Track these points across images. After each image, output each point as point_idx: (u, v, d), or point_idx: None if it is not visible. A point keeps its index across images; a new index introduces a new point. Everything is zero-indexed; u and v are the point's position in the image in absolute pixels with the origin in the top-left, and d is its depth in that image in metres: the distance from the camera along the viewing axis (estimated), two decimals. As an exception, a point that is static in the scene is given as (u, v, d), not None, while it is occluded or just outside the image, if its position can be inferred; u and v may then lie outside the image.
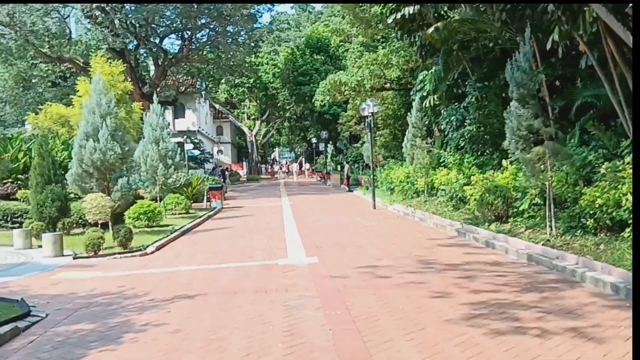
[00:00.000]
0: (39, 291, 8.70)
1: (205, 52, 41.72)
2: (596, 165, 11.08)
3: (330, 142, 47.14)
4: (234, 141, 71.97)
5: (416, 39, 20.38)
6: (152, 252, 12.62)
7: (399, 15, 18.20)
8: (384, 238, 13.30)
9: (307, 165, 66.88)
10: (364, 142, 38.27)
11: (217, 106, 64.59)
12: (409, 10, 17.77)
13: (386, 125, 32.36)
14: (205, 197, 25.88)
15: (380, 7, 21.72)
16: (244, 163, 69.89)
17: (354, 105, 32.77)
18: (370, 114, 21.82)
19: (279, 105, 60.41)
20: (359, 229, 15.32)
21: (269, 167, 79.82)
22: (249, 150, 67.03)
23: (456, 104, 19.60)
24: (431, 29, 17.75)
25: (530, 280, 8.05)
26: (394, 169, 26.94)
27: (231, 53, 42.26)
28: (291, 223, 17.31)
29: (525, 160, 10.50)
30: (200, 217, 20.69)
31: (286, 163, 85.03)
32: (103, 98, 15.55)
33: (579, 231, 10.25)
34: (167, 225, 17.59)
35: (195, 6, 36.55)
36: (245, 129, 65.18)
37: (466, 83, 19.93)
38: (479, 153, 18.95)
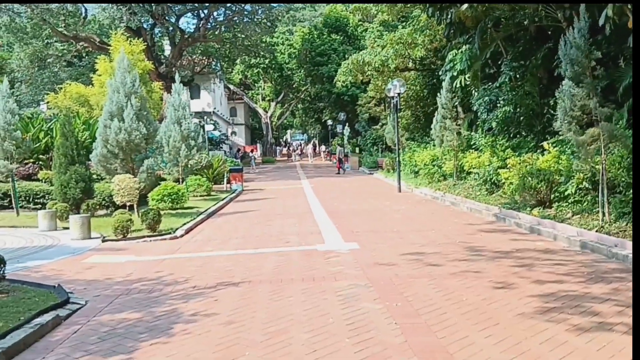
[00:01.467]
0: (74, 276, 8.35)
1: (221, 32, 41.10)
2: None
3: (347, 124, 46.53)
4: (247, 123, 71.45)
5: (446, 17, 19.72)
6: (182, 236, 12.26)
7: (431, -10, 17.53)
8: (420, 223, 12.83)
9: (323, 147, 66.21)
10: (383, 124, 37.74)
11: (231, 87, 63.99)
12: (441, -15, 17.10)
13: (408, 107, 31.70)
14: (225, 179, 25.50)
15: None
16: (258, 145, 69.45)
17: (376, 86, 32.10)
18: (396, 95, 21.21)
19: (294, 86, 59.71)
20: (391, 213, 14.86)
21: (284, 148, 79.18)
22: (264, 132, 66.48)
23: (489, 84, 18.95)
24: (465, 6, 17.08)
25: (592, 270, 7.56)
26: (417, 151, 26.39)
27: (248, 32, 41.63)
28: (318, 207, 16.88)
29: (578, 142, 9.94)
30: (222, 199, 20.33)
31: (299, 145, 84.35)
32: (127, 76, 15.14)
33: (630, 217, 9.74)
34: (191, 208, 17.23)
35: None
36: (260, 111, 64.58)
37: (499, 63, 19.26)
38: (511, 135, 18.36)
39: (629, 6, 10.22)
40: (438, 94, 19.44)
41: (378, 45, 30.55)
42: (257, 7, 40.38)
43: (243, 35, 42.53)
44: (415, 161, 24.49)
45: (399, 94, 21.16)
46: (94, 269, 8.88)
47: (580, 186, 11.62)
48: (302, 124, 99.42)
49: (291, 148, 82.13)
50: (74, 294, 7.11)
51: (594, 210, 10.94)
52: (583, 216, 10.88)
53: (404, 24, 35.41)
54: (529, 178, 12.65)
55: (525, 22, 18.06)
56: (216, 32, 41.17)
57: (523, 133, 17.09)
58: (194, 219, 14.63)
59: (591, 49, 9.91)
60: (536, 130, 17.09)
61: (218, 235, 12.27)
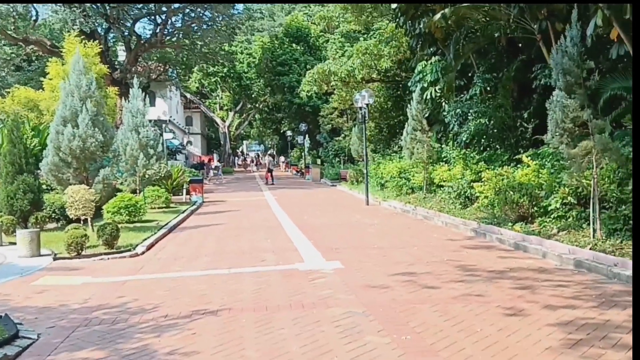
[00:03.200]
0: (23, 302, 7.28)
1: (179, 38, 39.87)
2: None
3: (308, 135, 45.88)
4: (203, 132, 69.87)
5: (417, 27, 19.37)
6: (143, 253, 11.23)
7: (403, 0, 17.14)
8: (400, 238, 12.19)
9: (282, 158, 65.41)
10: (346, 136, 37.26)
11: (188, 95, 62.46)
12: (414, -6, 16.72)
13: (372, 119, 31.27)
14: (185, 190, 24.36)
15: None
16: (215, 155, 68.01)
17: (340, 96, 31.57)
18: (364, 105, 20.65)
19: (253, 96, 58.76)
20: (365, 227, 14.19)
21: (241, 159, 77.91)
22: (221, 142, 65.11)
23: (461, 95, 18.62)
24: (438, 16, 16.69)
25: (599, 293, 7.03)
26: (382, 163, 25.95)
27: (207, 39, 40.59)
28: (287, 220, 16.06)
29: (570, 155, 9.50)
30: (183, 212, 19.25)
31: (256, 156, 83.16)
32: (83, 79, 14.03)
33: (624, 234, 9.37)
34: (150, 221, 16.13)
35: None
36: (218, 120, 63.24)
37: (470, 75, 19.00)
38: (481, 148, 18.04)
39: (627, 15, 9.90)
40: (408, 106, 18.96)
41: (343, 56, 30.14)
42: (217, 14, 39.38)
43: (202, 43, 41.45)
44: (382, 173, 24.01)
45: (367, 104, 20.60)
46: (46, 293, 7.81)
47: (564, 201, 11.22)
48: (260, 135, 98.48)
49: (248, 159, 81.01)
50: (24, 325, 6.09)
51: (581, 227, 10.54)
52: (570, 232, 10.45)
53: (365, 35, 35.21)
54: (511, 192, 12.21)
55: (497, 35, 17.85)
56: (174, 39, 39.95)
57: (497, 146, 16.75)
58: (155, 233, 13.58)
59: (584, 59, 9.52)
60: (509, 143, 16.81)
61: (184, 252, 11.29)
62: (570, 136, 9.54)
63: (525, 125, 16.16)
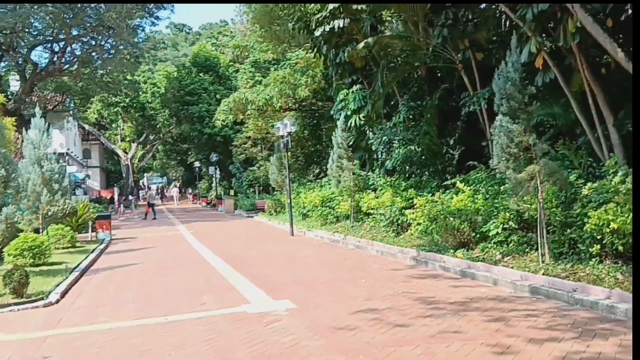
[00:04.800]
0: None
1: (79, 67, 37.63)
2: (577, 186, 10.36)
3: (218, 165, 44.66)
4: (102, 165, 66.22)
5: (338, 56, 19.27)
6: (58, 301, 9.82)
7: (327, 28, 17.00)
8: (342, 270, 11.61)
9: (190, 190, 63.41)
10: (260, 166, 36.53)
11: (86, 127, 59.05)
12: (339, 23, 16.64)
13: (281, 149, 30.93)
14: (90, 228, 22.45)
15: (299, 22, 20.31)
16: (115, 189, 64.59)
17: (256, 125, 30.89)
18: (287, 134, 20.12)
19: (157, 126, 56.69)
20: (300, 260, 13.51)
21: (145, 192, 74.43)
22: (123, 175, 61.94)
23: (385, 123, 18.60)
24: (361, 44, 16.74)
25: (570, 322, 6.80)
26: (303, 192, 25.51)
27: (109, 68, 38.70)
28: (212, 256, 15.03)
29: (517, 180, 9.42)
30: (92, 251, 17.57)
31: (157, 188, 79.94)
32: (-21, 106, 12.39)
33: (570, 258, 9.38)
34: (57, 263, 14.43)
35: (71, 14, 32.80)
36: (120, 152, 60.21)
37: (392, 103, 19.09)
38: (407, 175, 18.04)
39: (560, 42, 10.11)
40: (333, 133, 18.63)
41: (254, 85, 29.65)
42: (119, 42, 37.60)
43: (103, 71, 39.47)
44: (303, 203, 23.49)
45: (289, 132, 20.08)
46: (-54, 360, 6.44)
47: (504, 226, 11.18)
48: (163, 167, 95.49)
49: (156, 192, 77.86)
50: None
51: (524, 251, 10.50)
52: (515, 258, 10.36)
53: (275, 66, 35.04)
54: (451, 218, 12.06)
55: (416, 64, 18.10)
56: (73, 67, 37.70)
57: (426, 172, 16.75)
58: (67, 277, 12.08)
59: (525, 85, 9.56)
60: (435, 169, 16.89)
61: (105, 298, 10.02)
62: (516, 161, 9.50)
63: (451, 151, 16.30)
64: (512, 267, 9.72)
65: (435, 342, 6.07)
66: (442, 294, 8.76)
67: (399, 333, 6.49)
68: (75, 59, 37.49)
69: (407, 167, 17.37)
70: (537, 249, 10.34)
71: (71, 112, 48.24)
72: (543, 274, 8.93)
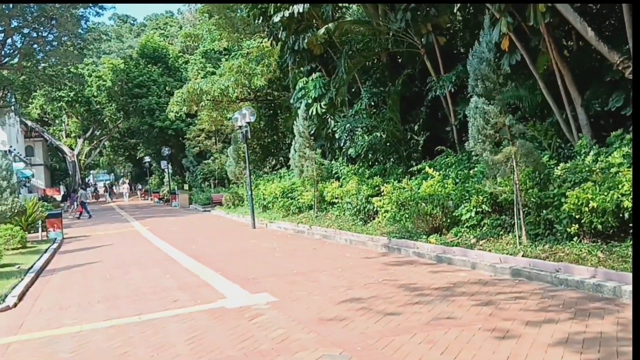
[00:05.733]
0: None
1: (19, 60, 35.81)
2: (549, 167, 10.37)
3: (170, 159, 43.45)
4: (47, 163, 63.54)
5: (296, 43, 18.85)
6: (16, 305, 9.12)
7: (286, 14, 16.55)
8: (315, 261, 11.29)
9: (140, 186, 61.70)
10: (215, 159, 35.75)
11: (29, 123, 56.43)
12: (298, 8, 16.22)
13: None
14: (41, 227, 21.35)
15: (254, 9, 19.73)
16: (61, 187, 62.16)
17: (210, 117, 30.08)
18: (245, 124, 19.59)
19: (104, 121, 54.76)
20: (269, 252, 13.11)
21: (94, 189, 72.06)
22: (70, 172, 59.61)
23: (349, 110, 18.33)
24: (322, 30, 16.38)
25: (560, 302, 6.73)
26: (261, 183, 25.08)
27: (52, 60, 37.01)
28: (175, 251, 14.44)
29: (493, 162, 9.31)
30: (45, 251, 16.63)
31: (109, 185, 77.47)
32: None
33: (547, 239, 9.36)
34: (9, 265, 13.56)
35: (10, 5, 31.08)
36: (66, 149, 57.84)
37: (353, 90, 18.83)
38: (369, 163, 17.86)
39: (530, 22, 10.04)
40: (294, 122, 18.25)
41: (210, 75, 28.86)
42: (62, 33, 35.95)
43: (46, 64, 37.71)
44: (263, 194, 23.05)
45: (248, 123, 19.55)
46: None
47: (477, 209, 11.11)
48: (110, 163, 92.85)
49: (100, 189, 75.57)
50: None
51: (498, 234, 10.45)
52: (490, 241, 10.31)
53: (226, 56, 34.29)
54: (423, 204, 11.91)
55: (377, 50, 17.89)
56: (14, 61, 35.84)
57: (391, 159, 16.58)
58: (22, 279, 11.30)
59: (499, 64, 9.45)
60: (399, 156, 16.75)
61: (68, 299, 9.36)
62: (492, 143, 9.38)
63: (416, 137, 16.19)
64: (489, 250, 9.64)
65: (431, 329, 5.84)
66: (424, 280, 8.58)
67: (391, 322, 6.23)
68: (16, 52, 35.64)
69: (371, 155, 17.15)
70: (510, 232, 10.34)
71: (12, 107, 45.93)
72: (522, 256, 8.87)
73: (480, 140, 9.38)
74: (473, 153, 9.76)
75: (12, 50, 35.11)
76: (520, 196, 9.51)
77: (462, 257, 9.87)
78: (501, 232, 10.50)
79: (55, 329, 7.19)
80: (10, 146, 45.67)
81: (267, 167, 32.16)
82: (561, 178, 9.81)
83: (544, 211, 9.52)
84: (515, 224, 9.61)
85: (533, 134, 11.51)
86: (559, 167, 10.10)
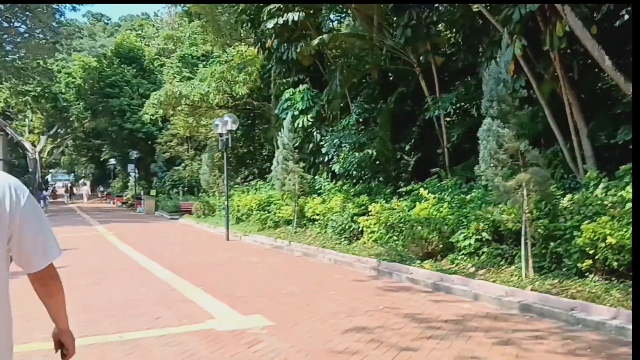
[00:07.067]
0: None
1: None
2: (555, 197, 9.96)
3: (137, 163, 42.07)
4: (6, 158, 60.95)
5: (288, 53, 18.28)
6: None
7: (280, 21, 15.98)
8: (304, 281, 10.58)
9: (102, 188, 59.83)
10: (186, 165, 34.71)
11: (-10, 117, 54.12)
12: (293, 17, 15.68)
13: (219, 149, 29.40)
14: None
15: (242, 15, 19.10)
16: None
17: (186, 123, 29.11)
18: (226, 132, 18.80)
19: (70, 119, 52.91)
20: (250, 267, 12.35)
21: (51, 190, 69.50)
22: (30, 170, 57.28)
23: (337, 125, 17.77)
24: (316, 41, 15.86)
25: (585, 345, 6.20)
26: (235, 194, 24.25)
27: (23, 52, 35.58)
28: (146, 260, 13.54)
29: (505, 189, 8.84)
30: (2, 252, 15.45)
31: (69, 186, 74.92)
32: None
33: (553, 273, 8.90)
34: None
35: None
36: (28, 145, 55.57)
37: (342, 105, 18.30)
38: (354, 181, 17.31)
39: (546, 47, 9.67)
40: (279, 134, 17.58)
41: (186, 80, 27.99)
42: (36, 26, 34.58)
43: (15, 56, 36.24)
44: (237, 205, 22.22)
45: (229, 130, 18.77)
46: None
47: (477, 237, 10.62)
48: (71, 163, 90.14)
49: (59, 189, 73.13)
50: None
51: (498, 264, 9.97)
52: (490, 271, 9.81)
53: (204, 62, 33.49)
54: (419, 227, 11.37)
55: (367, 67, 17.47)
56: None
57: (380, 178, 16.04)
58: (-22, 283, 10.24)
59: (516, 87, 9.04)
60: (387, 175, 16.24)
61: (34, 309, 8.16)
62: (504, 168, 8.92)
63: (406, 158, 15.71)
64: (493, 281, 9.12)
65: (459, 370, 5.22)
66: (428, 310, 7.98)
67: (409, 359, 5.59)
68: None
69: (356, 172, 16.59)
70: (512, 263, 9.88)
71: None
72: (531, 290, 8.37)
73: (492, 165, 8.90)
74: (483, 178, 9.23)
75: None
76: (529, 226, 9.05)
77: (462, 287, 9.31)
78: (501, 263, 10.02)
79: (22, 344, 6.28)
80: (-31, 138, 43.67)
81: (240, 177, 31.32)
82: (568, 210, 9.41)
83: (552, 243, 9.08)
84: (522, 255, 9.13)
85: (535, 162, 11.11)
86: (565, 199, 9.71)
